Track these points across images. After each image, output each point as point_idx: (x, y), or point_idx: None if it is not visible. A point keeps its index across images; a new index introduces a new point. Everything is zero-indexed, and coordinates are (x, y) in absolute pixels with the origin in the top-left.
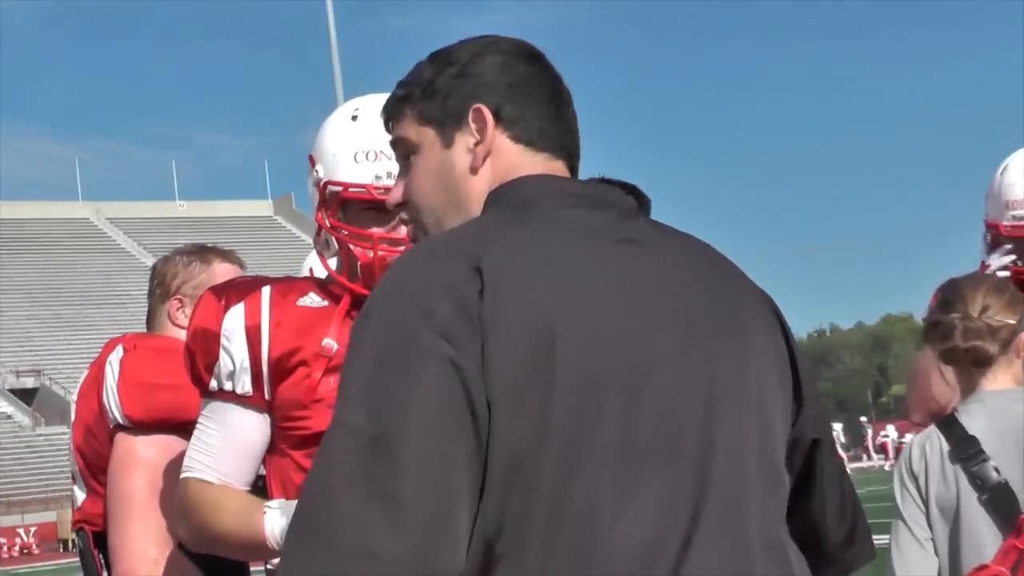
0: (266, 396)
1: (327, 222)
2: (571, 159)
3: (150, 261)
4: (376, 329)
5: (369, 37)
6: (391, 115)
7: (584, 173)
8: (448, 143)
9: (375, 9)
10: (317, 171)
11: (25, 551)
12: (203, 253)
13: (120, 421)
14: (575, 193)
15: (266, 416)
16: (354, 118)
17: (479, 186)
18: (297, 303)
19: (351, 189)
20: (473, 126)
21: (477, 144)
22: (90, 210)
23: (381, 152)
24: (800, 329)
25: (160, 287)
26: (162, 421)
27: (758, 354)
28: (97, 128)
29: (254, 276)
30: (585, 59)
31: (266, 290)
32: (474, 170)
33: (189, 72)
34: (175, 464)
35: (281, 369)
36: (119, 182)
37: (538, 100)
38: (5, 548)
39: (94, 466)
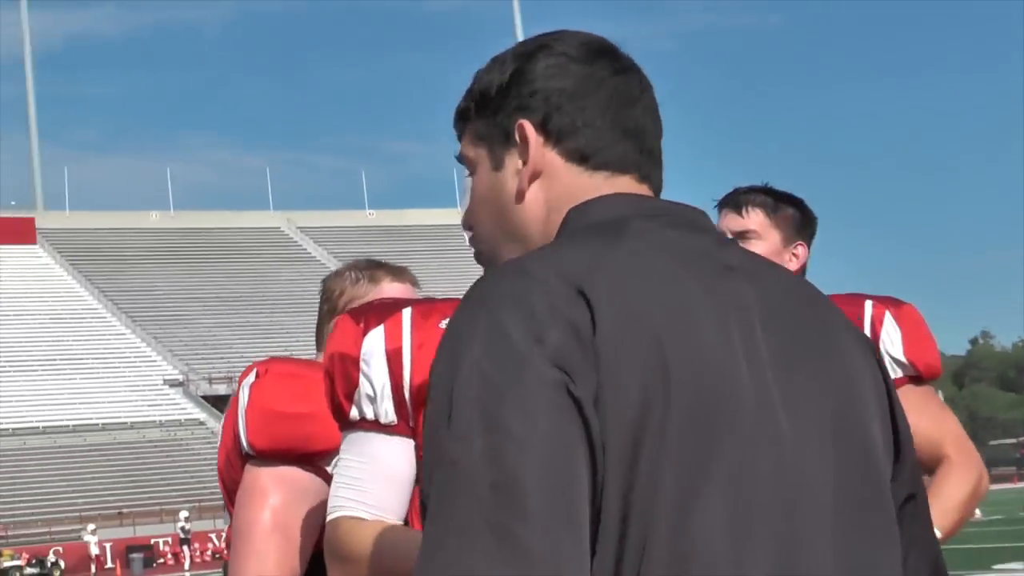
0: (410, 423)
1: None
2: (644, 173)
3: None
4: (479, 354)
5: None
6: (456, 131)
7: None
8: (497, 165)
9: (562, 11)
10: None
11: (217, 556)
12: (373, 270)
13: (246, 450)
14: (669, 212)
15: (411, 444)
16: None
17: (531, 214)
18: (440, 324)
19: None
20: (520, 145)
21: (525, 165)
22: (281, 219)
23: None
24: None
25: (327, 303)
26: (287, 451)
27: (862, 398)
28: (289, 138)
29: (394, 298)
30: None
31: (407, 312)
32: (520, 195)
33: (379, 81)
34: (299, 497)
35: (424, 395)
36: (309, 191)
37: (600, 107)
38: (198, 552)
39: (232, 494)
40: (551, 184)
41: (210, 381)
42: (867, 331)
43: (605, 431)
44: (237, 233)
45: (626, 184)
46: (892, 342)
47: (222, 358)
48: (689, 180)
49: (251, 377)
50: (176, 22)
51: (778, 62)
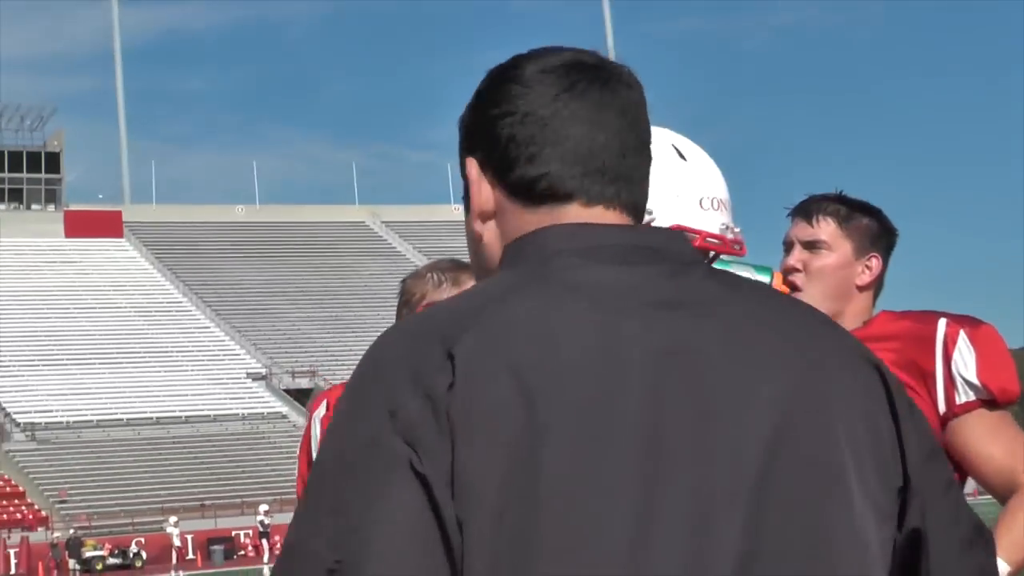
0: None
1: None
2: (595, 194)
3: (424, 264)
4: (339, 430)
5: (646, 40)
6: None
7: None
8: (465, 206)
9: (653, 11)
10: (649, 212)
11: None
12: (456, 272)
13: None
14: (611, 244)
15: None
16: (682, 156)
17: (490, 255)
18: None
19: (708, 239)
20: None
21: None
22: (366, 213)
23: (721, 201)
24: None
25: (405, 306)
26: None
27: (834, 444)
28: (375, 133)
29: None
30: None
31: None
32: (478, 237)
33: (465, 75)
34: None
35: None
36: (395, 186)
37: (540, 134)
38: (278, 545)
39: None
40: (503, 223)
41: (293, 375)
42: (939, 351)
43: (462, 505)
44: (322, 227)
45: (574, 213)
46: (965, 364)
47: (305, 352)
48: (777, 182)
49: (321, 410)
50: (265, 16)
51: (872, 57)
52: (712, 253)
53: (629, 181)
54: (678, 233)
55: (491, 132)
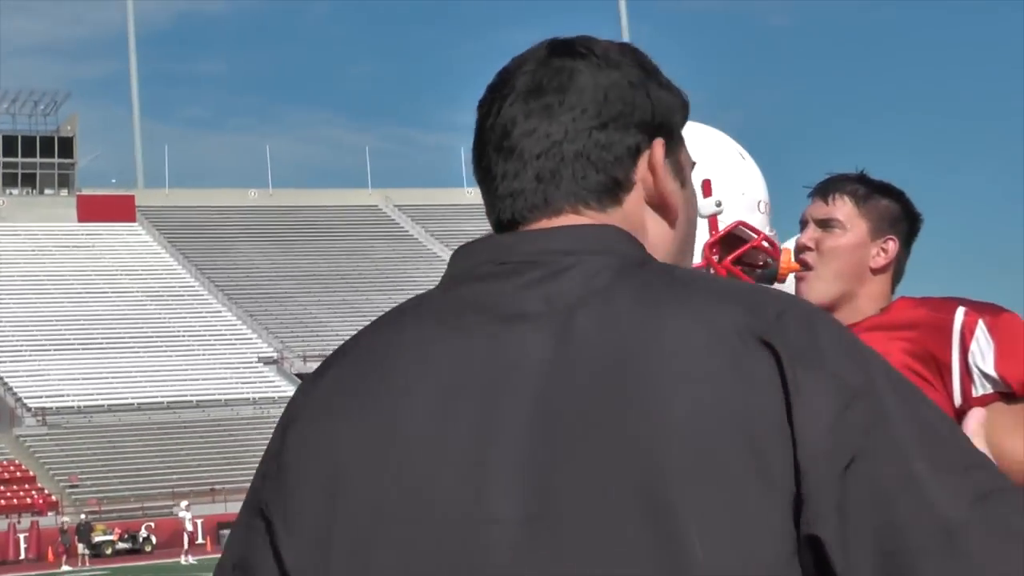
0: None
1: (716, 259)
2: (503, 207)
3: (437, 248)
4: None
5: (660, 17)
6: None
7: None
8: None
9: None
10: (719, 204)
11: None
12: None
13: None
14: (484, 255)
15: None
16: (742, 157)
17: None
18: None
19: (764, 243)
20: None
21: None
22: (379, 197)
23: (768, 206)
24: None
25: None
26: None
27: (662, 454)
28: (388, 116)
29: None
30: None
31: None
32: None
33: (480, 58)
34: None
35: None
36: (408, 169)
37: (479, 174)
38: None
39: None
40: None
41: (304, 359)
42: (955, 342)
43: (294, 555)
44: (334, 211)
45: (495, 229)
46: (982, 355)
47: (317, 336)
48: (810, 160)
49: None
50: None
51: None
52: (761, 257)
53: (599, 167)
54: (579, 232)
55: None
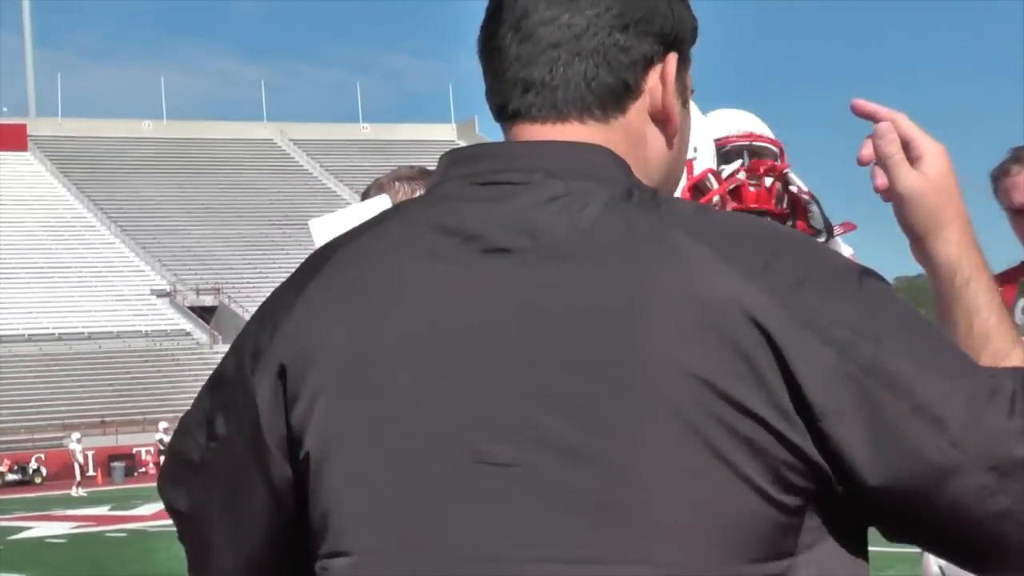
0: None
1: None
2: (513, 110)
3: (331, 183)
4: None
5: None
6: None
7: None
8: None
9: None
10: (695, 150)
11: None
12: (428, 178)
13: None
14: (487, 167)
15: None
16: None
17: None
18: None
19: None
20: None
21: None
22: (274, 131)
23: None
24: None
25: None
26: None
27: (646, 367)
28: (285, 50)
29: None
30: None
31: None
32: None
33: None
34: None
35: None
36: (304, 104)
37: (487, 53)
38: None
39: None
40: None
41: (197, 292)
42: None
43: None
44: (229, 144)
45: (520, 131)
46: None
47: (210, 270)
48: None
49: None
50: None
51: None
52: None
53: (598, 77)
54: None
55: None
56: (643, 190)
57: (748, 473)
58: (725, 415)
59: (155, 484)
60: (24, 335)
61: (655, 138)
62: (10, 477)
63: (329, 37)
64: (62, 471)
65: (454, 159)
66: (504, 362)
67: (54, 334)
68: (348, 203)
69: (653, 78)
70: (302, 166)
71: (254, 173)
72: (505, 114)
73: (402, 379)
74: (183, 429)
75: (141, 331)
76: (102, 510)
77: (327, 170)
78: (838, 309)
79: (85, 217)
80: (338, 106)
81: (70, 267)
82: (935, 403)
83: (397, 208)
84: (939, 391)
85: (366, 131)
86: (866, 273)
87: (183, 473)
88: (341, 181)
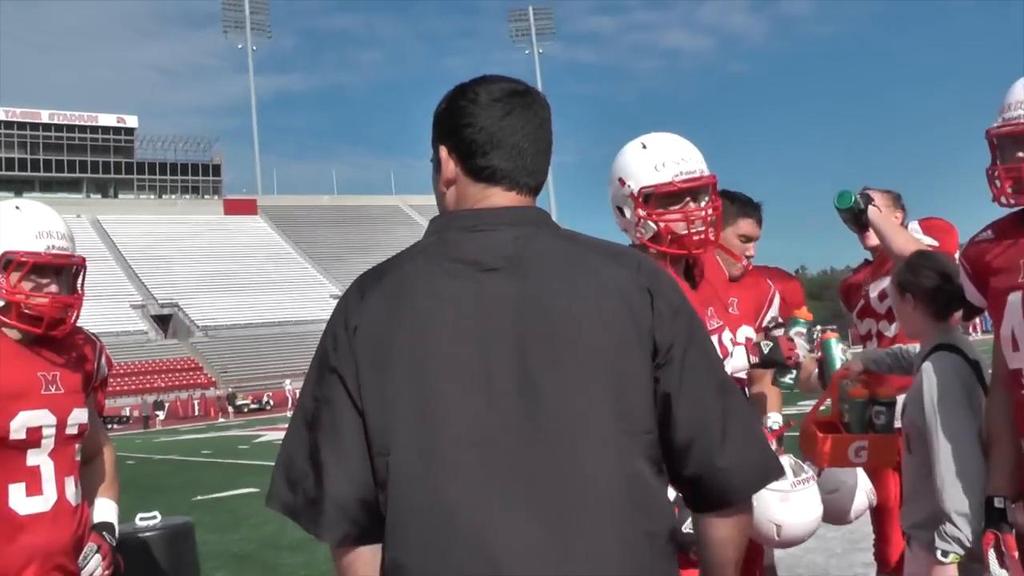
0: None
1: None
2: (519, 187)
3: None
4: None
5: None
6: None
7: None
8: (436, 174)
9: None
10: (628, 188)
11: None
12: None
13: None
14: (481, 221)
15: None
16: (644, 146)
17: (449, 205)
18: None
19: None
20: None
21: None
22: (399, 200)
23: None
24: None
25: None
26: None
27: (569, 343)
28: (405, 149)
29: None
30: None
31: None
32: (442, 195)
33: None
34: None
35: None
36: (418, 182)
37: (500, 141)
38: None
39: None
40: (457, 188)
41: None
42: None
43: (360, 394)
44: (372, 208)
45: (499, 193)
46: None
47: None
48: None
49: None
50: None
51: None
52: None
53: (538, 173)
54: (524, 210)
55: (458, 134)
56: (569, 232)
57: (640, 368)
58: (632, 339)
59: None
60: (257, 322)
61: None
62: (252, 406)
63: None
64: (280, 402)
65: (449, 218)
66: (499, 335)
67: (273, 322)
68: None
69: None
70: (417, 222)
71: (387, 225)
72: (481, 178)
73: (440, 345)
74: (307, 378)
75: (320, 327)
76: None
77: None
78: (673, 295)
79: (291, 253)
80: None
81: (278, 282)
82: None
83: (423, 247)
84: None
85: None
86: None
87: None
88: None
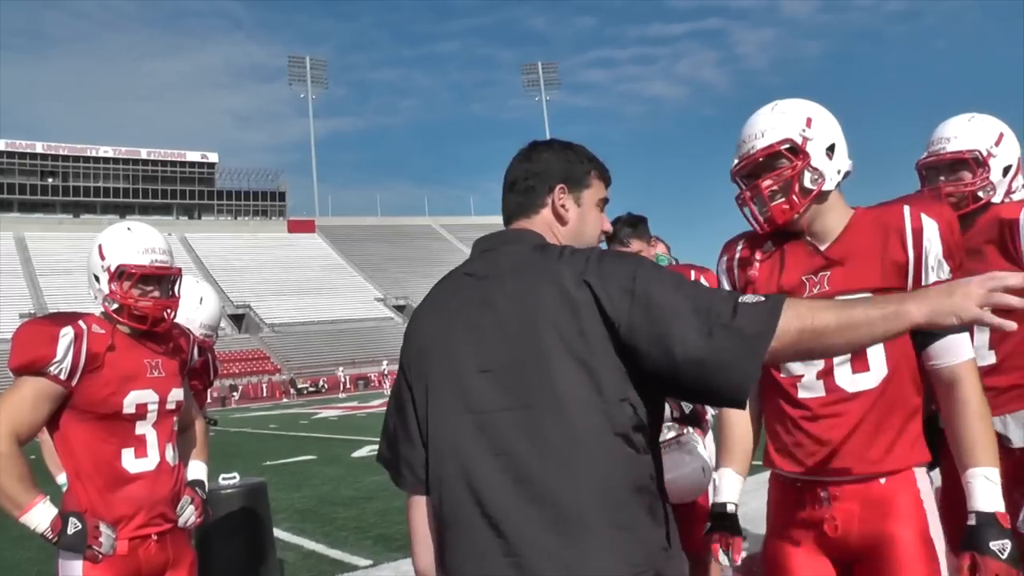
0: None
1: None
2: (509, 218)
3: (466, 248)
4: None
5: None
6: None
7: None
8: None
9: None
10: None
11: None
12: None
13: None
14: (482, 245)
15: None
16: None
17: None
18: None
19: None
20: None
21: None
22: (432, 221)
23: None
24: None
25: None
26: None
27: (541, 325)
28: (440, 179)
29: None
30: None
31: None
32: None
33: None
34: None
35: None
36: (452, 204)
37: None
38: None
39: None
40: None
41: (393, 304)
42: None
43: (413, 389)
44: (410, 227)
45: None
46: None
47: (410, 294)
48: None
49: None
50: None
51: None
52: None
53: (515, 206)
54: (508, 233)
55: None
56: (545, 245)
57: (605, 356)
58: (586, 332)
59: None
60: (314, 320)
61: (559, 225)
62: (310, 389)
63: (452, 168)
64: (333, 386)
65: (480, 240)
66: (489, 328)
67: (327, 320)
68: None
69: (549, 199)
70: (447, 239)
71: (422, 241)
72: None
73: (454, 336)
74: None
75: (367, 324)
76: (353, 403)
77: (460, 240)
78: (617, 271)
79: (343, 264)
80: (460, 206)
81: (332, 288)
82: (668, 305)
83: (459, 267)
84: (672, 299)
85: (475, 220)
86: (639, 260)
87: (397, 384)
88: (467, 246)
